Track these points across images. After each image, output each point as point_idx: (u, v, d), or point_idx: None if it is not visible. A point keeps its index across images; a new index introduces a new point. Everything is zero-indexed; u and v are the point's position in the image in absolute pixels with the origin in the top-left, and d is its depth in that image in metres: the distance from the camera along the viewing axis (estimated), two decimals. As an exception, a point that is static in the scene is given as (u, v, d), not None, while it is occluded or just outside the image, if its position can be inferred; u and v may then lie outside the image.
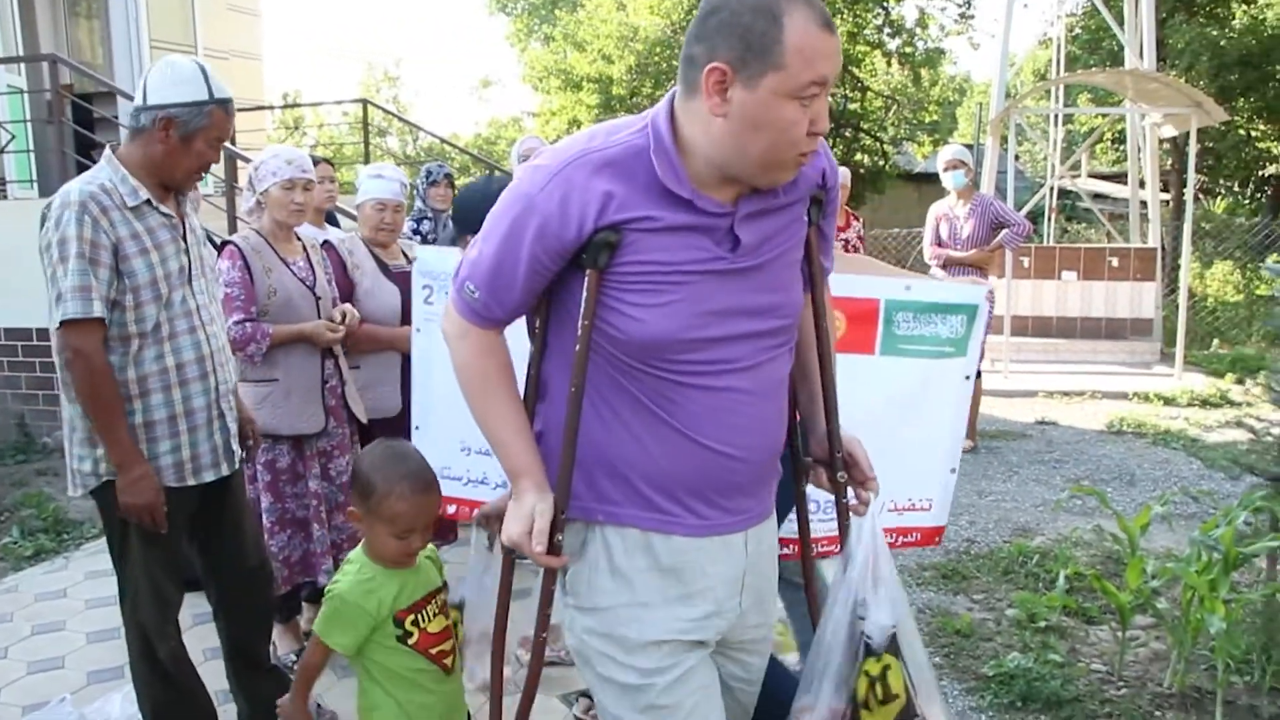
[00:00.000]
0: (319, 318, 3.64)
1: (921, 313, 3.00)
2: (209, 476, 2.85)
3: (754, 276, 1.76)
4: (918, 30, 19.61)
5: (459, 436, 3.23)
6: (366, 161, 10.24)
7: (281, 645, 3.76)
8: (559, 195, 1.68)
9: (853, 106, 20.86)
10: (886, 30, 20.24)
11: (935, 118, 23.98)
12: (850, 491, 1.96)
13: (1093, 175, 16.50)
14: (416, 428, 3.31)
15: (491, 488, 3.25)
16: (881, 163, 19.90)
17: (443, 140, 13.33)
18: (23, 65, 8.47)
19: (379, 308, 3.94)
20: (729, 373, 1.75)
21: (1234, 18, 17.01)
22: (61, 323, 2.53)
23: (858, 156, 21.28)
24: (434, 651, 2.26)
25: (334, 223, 5.44)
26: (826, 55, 1.58)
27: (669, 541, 1.78)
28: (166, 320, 2.71)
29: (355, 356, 3.92)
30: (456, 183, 5.56)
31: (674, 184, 1.68)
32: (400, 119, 14.16)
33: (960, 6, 19.49)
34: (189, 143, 2.68)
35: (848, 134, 21.41)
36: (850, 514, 1.96)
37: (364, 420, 3.87)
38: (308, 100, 21.61)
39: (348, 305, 3.78)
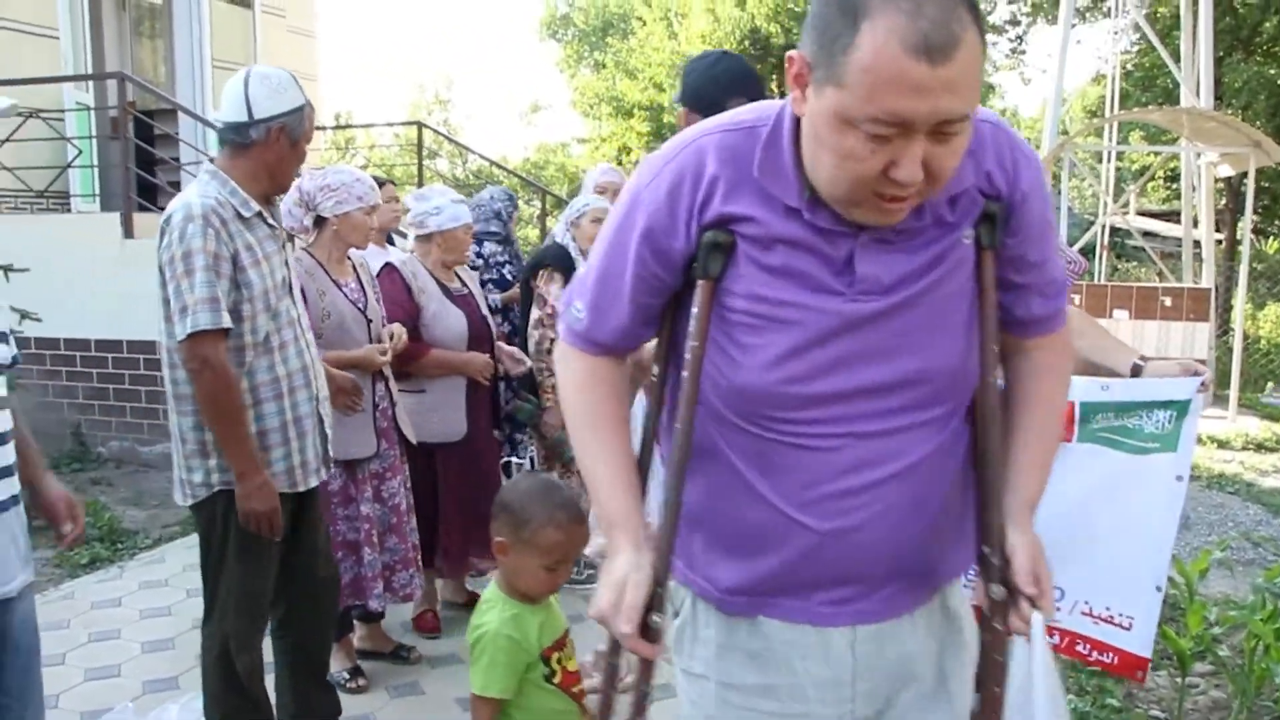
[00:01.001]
0: (370, 340, 3.69)
1: (1122, 411, 2.75)
2: (314, 481, 2.97)
3: (883, 323, 1.39)
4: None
5: None
6: (420, 184, 10.34)
7: (334, 663, 3.78)
8: (667, 185, 1.43)
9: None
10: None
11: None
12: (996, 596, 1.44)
13: (1141, 213, 16.35)
14: None
15: None
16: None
17: (492, 163, 13.44)
18: (90, 83, 8.66)
19: (445, 332, 3.98)
20: (842, 441, 1.42)
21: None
22: (190, 334, 2.60)
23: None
24: (574, 690, 2.24)
25: (392, 243, 5.50)
26: (907, 89, 1.19)
27: (754, 622, 1.53)
28: (275, 330, 2.81)
29: (421, 380, 3.96)
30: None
31: (775, 184, 1.38)
32: (453, 141, 14.31)
33: (1013, 42, 19.42)
34: (296, 146, 2.82)
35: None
36: (1002, 639, 1.46)
37: (413, 441, 3.92)
38: (359, 121, 21.86)
39: (396, 325, 3.82)
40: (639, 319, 1.53)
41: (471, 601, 4.45)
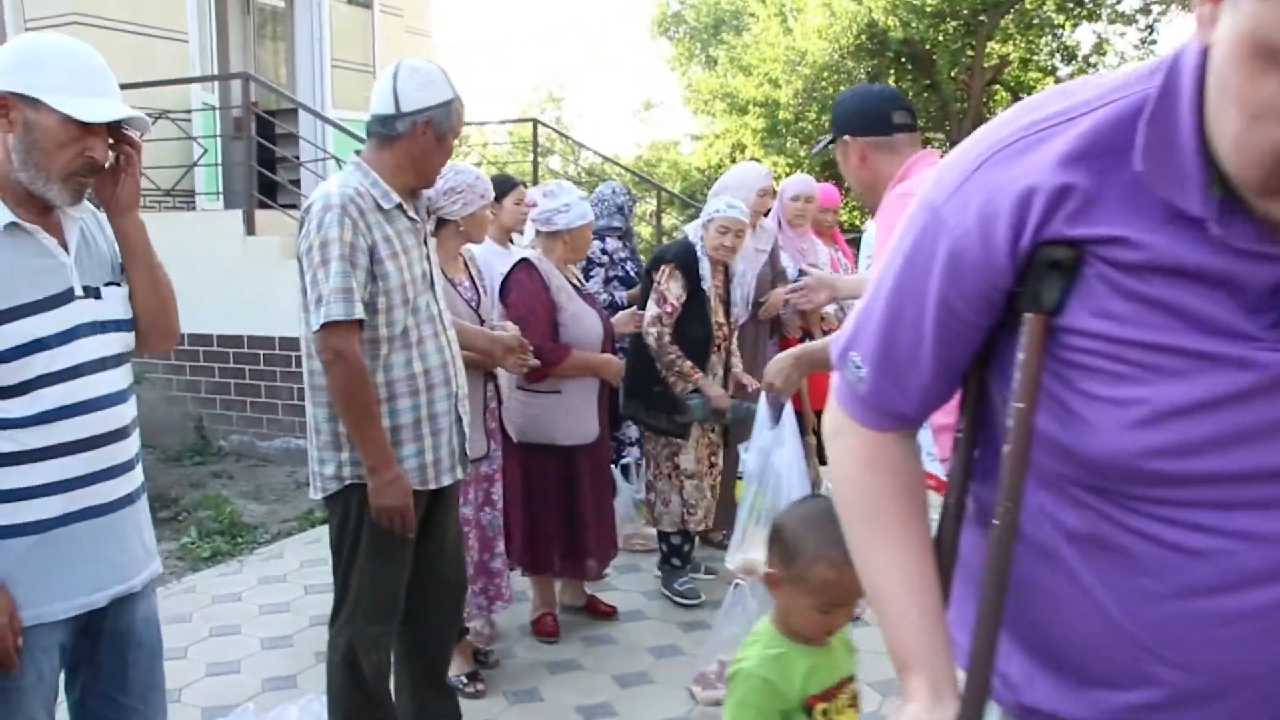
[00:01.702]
0: None
1: None
2: (447, 480, 2.88)
3: None
4: (1095, 57, 18.81)
5: None
6: (535, 181, 10.32)
7: (452, 666, 3.69)
8: (979, 200, 1.02)
9: (1022, 135, 20.16)
10: (1060, 56, 19.52)
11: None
12: None
13: None
14: None
15: None
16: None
17: (606, 159, 13.34)
18: (216, 84, 8.84)
19: (585, 333, 3.91)
20: (1227, 542, 0.98)
21: None
22: (323, 325, 2.56)
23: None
24: None
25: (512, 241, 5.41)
26: None
27: None
28: (414, 325, 2.74)
29: (557, 381, 3.87)
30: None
31: (1163, 178, 0.94)
32: (567, 138, 14.32)
33: (1142, 31, 18.63)
34: (442, 140, 2.75)
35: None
36: None
37: (515, 439, 3.88)
38: (472, 119, 22.08)
39: (510, 324, 3.73)
40: (943, 380, 1.14)
41: (590, 605, 4.33)
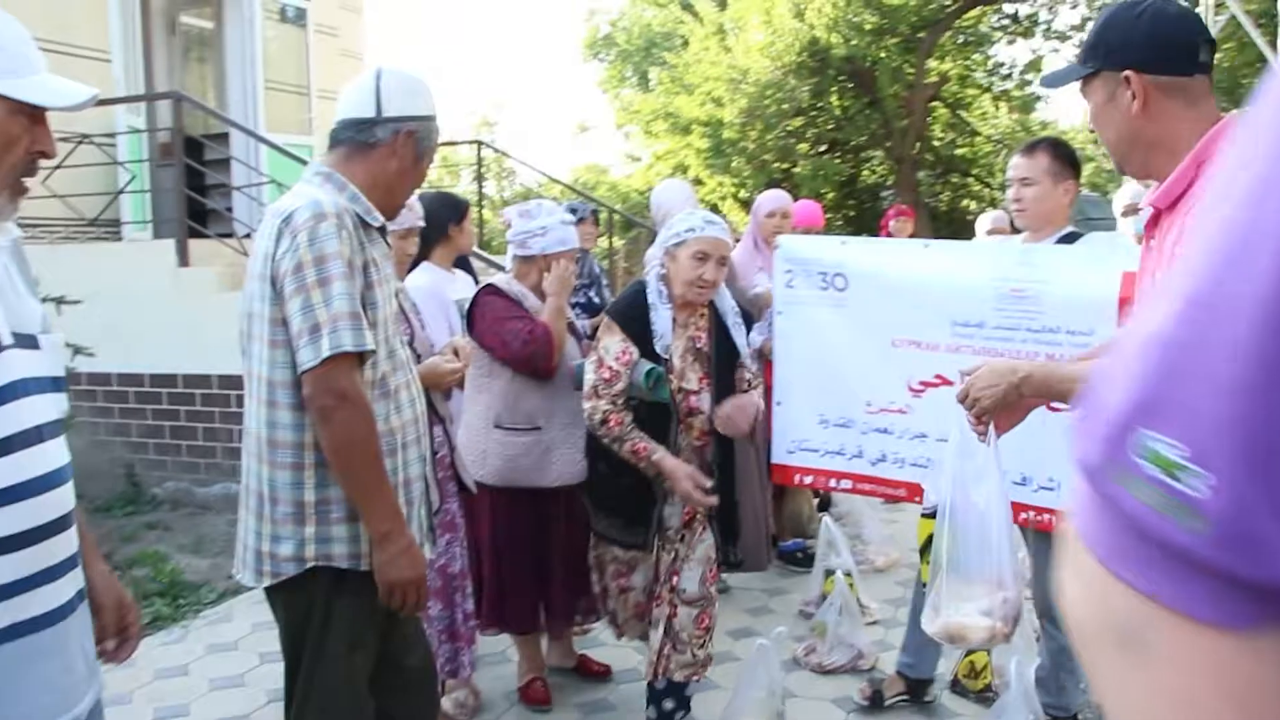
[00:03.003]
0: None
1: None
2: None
3: None
4: (1031, 74, 18.94)
5: (817, 410, 3.80)
6: (479, 204, 9.90)
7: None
8: None
9: (961, 151, 20.30)
10: (997, 74, 19.66)
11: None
12: None
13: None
14: (779, 403, 3.90)
15: (847, 458, 3.78)
16: (991, 209, 19.26)
17: (551, 178, 12.94)
18: (143, 106, 8.34)
19: (562, 362, 3.49)
20: None
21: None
22: (326, 359, 2.07)
23: (965, 202, 20.67)
24: None
25: (467, 267, 5.01)
26: None
27: None
28: (391, 371, 2.29)
29: (536, 417, 3.48)
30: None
31: None
32: (518, 160, 13.97)
33: (1077, 48, 18.79)
34: (419, 162, 2.33)
35: (955, 179, 20.84)
36: None
37: (473, 490, 3.46)
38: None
39: (459, 338, 3.37)
40: None
41: (582, 666, 3.92)
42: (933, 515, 2.57)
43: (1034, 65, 19.13)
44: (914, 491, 3.60)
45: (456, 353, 3.28)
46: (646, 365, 3.12)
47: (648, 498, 3.18)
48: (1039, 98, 19.98)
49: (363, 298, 2.17)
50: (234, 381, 6.49)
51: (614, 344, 3.16)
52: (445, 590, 3.43)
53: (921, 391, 3.56)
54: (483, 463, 3.52)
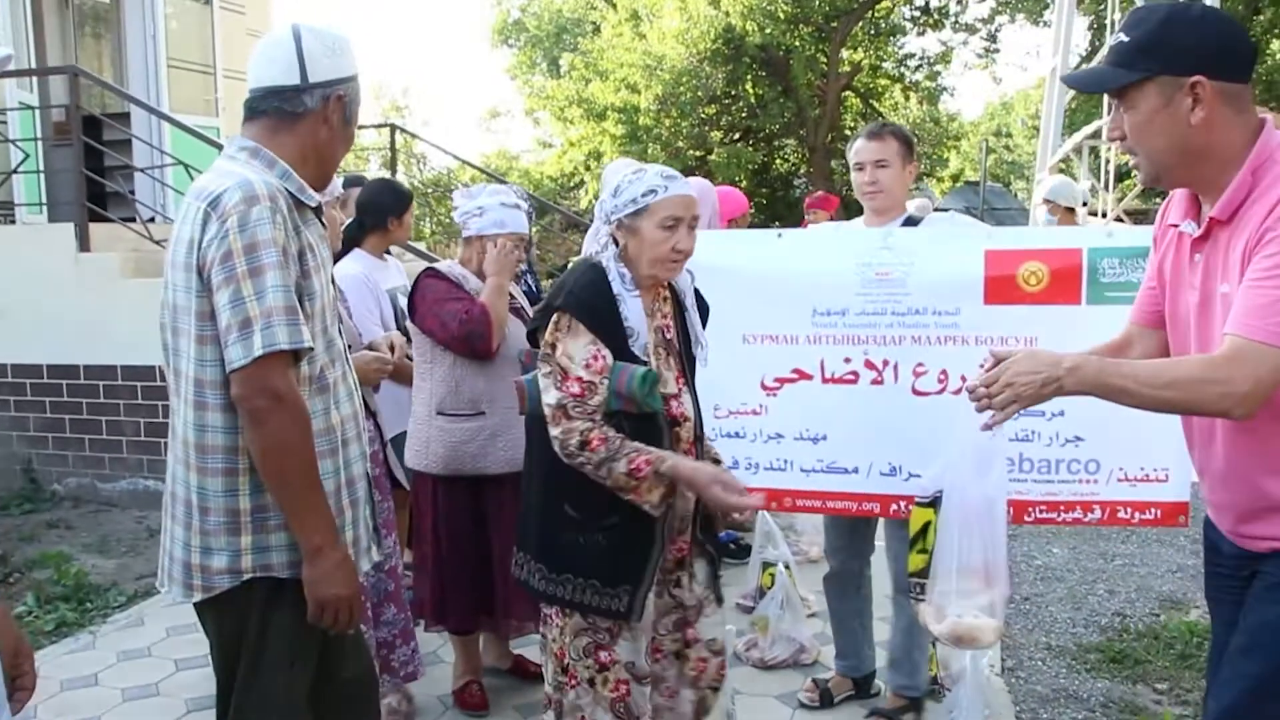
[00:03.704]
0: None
1: (1127, 258, 3.03)
2: (365, 564, 2.26)
3: None
4: (940, 65, 19.25)
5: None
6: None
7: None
8: None
9: (872, 141, 20.51)
10: (907, 65, 19.92)
11: (949, 154, 23.66)
12: None
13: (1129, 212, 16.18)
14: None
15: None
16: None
17: (464, 162, 12.66)
18: (34, 81, 7.90)
19: (506, 347, 3.35)
20: None
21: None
22: (259, 357, 1.89)
23: (877, 192, 20.96)
24: None
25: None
26: None
27: None
28: (329, 363, 2.11)
29: (478, 403, 3.35)
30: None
31: None
32: (433, 145, 13.58)
33: (985, 40, 19.15)
34: (348, 126, 2.16)
35: (866, 169, 21.04)
36: None
37: (406, 486, 3.38)
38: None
39: (395, 333, 3.28)
40: None
41: (518, 668, 3.79)
42: (928, 504, 2.46)
43: (943, 57, 19.45)
44: (773, 497, 3.36)
45: (391, 347, 3.15)
46: (634, 368, 2.41)
47: (643, 539, 2.44)
48: (945, 89, 20.35)
49: (299, 287, 2.00)
50: (140, 373, 6.19)
51: (579, 348, 2.38)
52: (397, 592, 3.34)
53: (777, 389, 3.39)
54: (426, 451, 3.38)
